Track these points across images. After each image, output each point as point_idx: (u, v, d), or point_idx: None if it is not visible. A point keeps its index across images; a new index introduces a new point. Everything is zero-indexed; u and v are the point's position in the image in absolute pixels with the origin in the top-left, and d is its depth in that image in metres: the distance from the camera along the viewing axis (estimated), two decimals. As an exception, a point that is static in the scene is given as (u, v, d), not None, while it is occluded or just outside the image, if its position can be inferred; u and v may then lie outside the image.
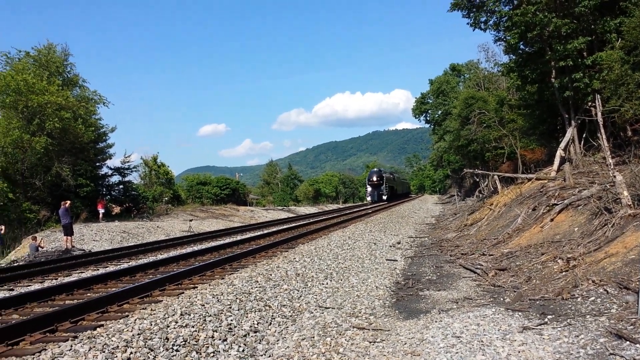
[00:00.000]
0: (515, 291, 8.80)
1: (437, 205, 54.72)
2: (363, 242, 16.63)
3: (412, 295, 9.71)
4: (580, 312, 6.81)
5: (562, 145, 21.89)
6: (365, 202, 62.53)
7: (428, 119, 72.32)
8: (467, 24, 24.84)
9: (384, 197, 52.58)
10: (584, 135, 22.06)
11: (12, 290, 10.28)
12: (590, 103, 20.98)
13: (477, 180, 42.79)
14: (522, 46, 23.41)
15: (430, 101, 70.57)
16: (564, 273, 8.99)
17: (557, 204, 14.00)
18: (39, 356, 5.22)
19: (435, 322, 7.20)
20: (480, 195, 33.89)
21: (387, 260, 14.08)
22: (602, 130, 18.90)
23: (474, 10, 24.42)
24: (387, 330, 7.12)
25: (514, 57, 24.74)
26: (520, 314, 7.14)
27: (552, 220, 13.36)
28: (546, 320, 6.66)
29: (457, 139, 43.23)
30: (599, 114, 18.91)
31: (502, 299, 8.43)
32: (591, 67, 19.99)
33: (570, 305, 7.23)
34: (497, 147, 35.93)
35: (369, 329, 7.20)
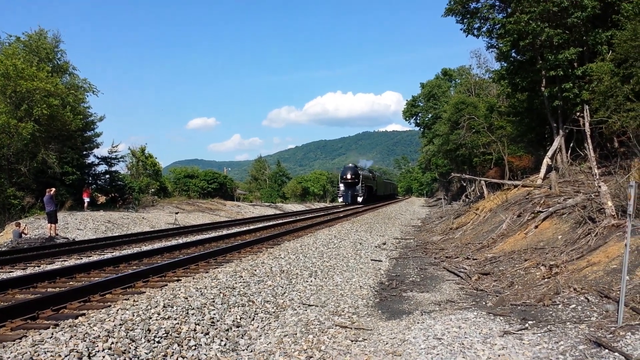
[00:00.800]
0: (497, 296, 8.87)
1: (423, 207, 55.03)
2: (349, 242, 16.67)
3: (395, 296, 9.75)
4: (561, 319, 6.88)
5: (550, 153, 22.09)
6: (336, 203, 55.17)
7: (418, 121, 72.55)
8: (461, 29, 25.00)
9: (359, 199, 45.08)
10: (571, 145, 22.28)
11: (-6, 275, 10.19)
12: (578, 113, 21.20)
13: (464, 184, 43.13)
14: (513, 54, 23.60)
15: (421, 104, 70.83)
16: (546, 280, 9.08)
17: (542, 212, 14.13)
18: (19, 342, 5.17)
19: (418, 323, 7.24)
20: (467, 199, 34.12)
21: (372, 260, 14.12)
22: (589, 141, 19.10)
23: (468, 16, 24.56)
24: (370, 330, 7.15)
25: (505, 65, 24.94)
26: (501, 318, 7.20)
27: (536, 227, 13.48)
28: (527, 325, 6.72)
29: (446, 143, 43.47)
30: (587, 125, 19.10)
31: (484, 303, 8.49)
32: (581, 78, 20.19)
33: (551, 312, 7.30)
34: (485, 152, 36.15)
35: (351, 328, 7.23)
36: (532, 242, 12.39)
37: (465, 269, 11.81)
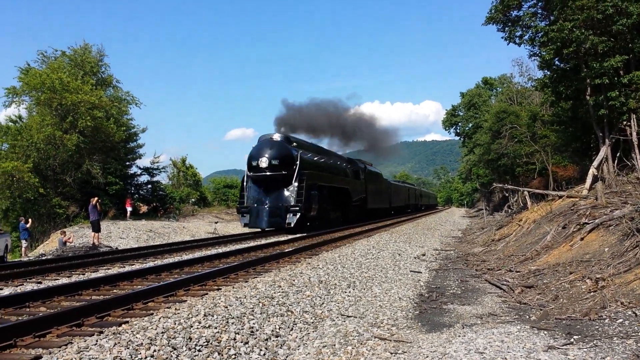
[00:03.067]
0: (541, 309, 8.65)
1: (464, 218, 54.23)
2: (387, 252, 16.55)
3: (435, 308, 9.62)
4: (608, 334, 6.67)
5: (595, 163, 21.52)
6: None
7: (458, 131, 71.92)
8: (502, 37, 24.70)
9: (291, 219, 21.28)
10: (617, 155, 21.65)
11: (40, 283, 10.47)
12: (625, 122, 20.61)
13: (507, 195, 42.30)
14: (557, 62, 23.14)
15: (461, 114, 70.23)
16: (592, 293, 8.82)
17: (588, 223, 13.74)
18: (65, 349, 5.30)
19: (459, 336, 7.11)
20: (509, 210, 33.50)
21: (411, 271, 13.98)
22: (637, 150, 18.54)
23: (509, 24, 24.25)
24: (409, 342, 7.06)
25: (548, 73, 24.47)
26: (545, 332, 7.02)
27: (582, 239, 13.12)
28: (572, 340, 6.53)
29: (487, 152, 42.87)
30: (634, 134, 18.58)
31: (527, 317, 8.30)
32: (627, 86, 19.62)
33: (597, 326, 7.08)
34: (528, 162, 35.54)
35: (390, 340, 7.15)
36: (577, 255, 12.06)
37: (508, 282, 11.57)
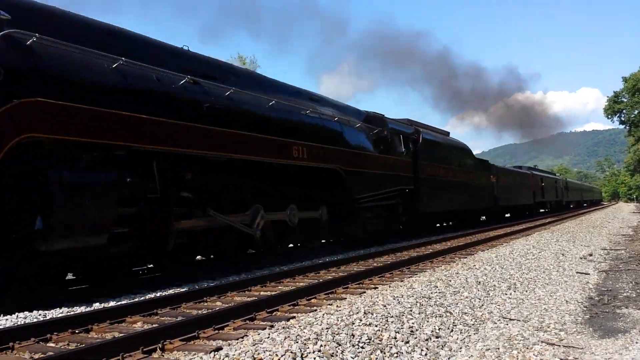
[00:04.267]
0: None
1: (634, 214, 49.49)
2: (549, 252, 15.68)
3: (607, 312, 8.94)
4: None
5: None
6: None
7: (622, 119, 65.97)
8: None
9: None
10: None
11: (214, 279, 11.39)
12: None
13: (684, 188, 37.97)
14: None
15: (625, 100, 64.30)
16: None
17: None
18: (241, 341, 5.73)
19: (636, 343, 6.58)
20: (689, 205, 30.06)
21: (577, 273, 13.11)
22: None
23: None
24: (580, 348, 6.66)
25: None
26: None
27: None
28: None
29: (660, 141, 38.81)
30: None
31: None
32: None
33: None
34: None
35: (559, 345, 6.79)
36: None
37: (692, 285, 10.43)
